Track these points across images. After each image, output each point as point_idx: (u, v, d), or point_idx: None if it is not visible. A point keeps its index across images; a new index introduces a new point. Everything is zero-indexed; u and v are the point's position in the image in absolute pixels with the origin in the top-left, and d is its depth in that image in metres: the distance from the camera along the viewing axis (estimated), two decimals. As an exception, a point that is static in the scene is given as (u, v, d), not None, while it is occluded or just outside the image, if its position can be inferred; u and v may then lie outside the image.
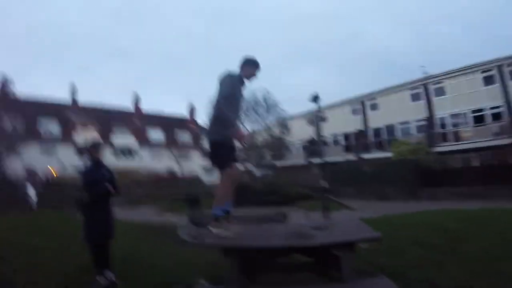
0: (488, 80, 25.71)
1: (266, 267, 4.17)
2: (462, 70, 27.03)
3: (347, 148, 35.85)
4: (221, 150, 3.90)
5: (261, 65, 4.18)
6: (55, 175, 38.11)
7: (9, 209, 17.06)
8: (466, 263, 4.39)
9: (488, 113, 25.53)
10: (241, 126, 3.95)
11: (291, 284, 4.23)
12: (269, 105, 29.24)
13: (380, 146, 31.88)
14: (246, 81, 4.16)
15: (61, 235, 7.58)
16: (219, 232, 3.66)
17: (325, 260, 3.84)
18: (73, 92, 45.74)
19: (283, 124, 38.16)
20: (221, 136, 3.88)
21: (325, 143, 37.41)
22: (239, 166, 4.22)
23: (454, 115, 27.65)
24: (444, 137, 27.45)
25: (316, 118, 17.73)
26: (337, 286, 3.53)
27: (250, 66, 4.12)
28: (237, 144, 4.15)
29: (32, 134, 38.78)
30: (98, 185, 4.44)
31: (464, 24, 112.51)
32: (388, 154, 26.63)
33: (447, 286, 3.75)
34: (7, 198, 20.64)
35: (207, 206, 6.43)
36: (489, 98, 25.46)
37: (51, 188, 28.98)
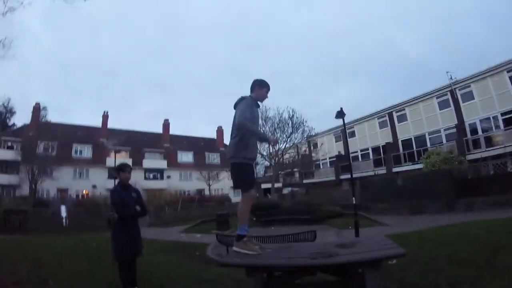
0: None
1: (293, 286, 4.08)
2: (488, 71, 26.08)
3: (377, 162, 35.15)
4: (244, 172, 3.97)
5: (270, 86, 4.34)
6: (87, 197, 39.23)
7: (43, 229, 17.62)
8: (504, 278, 4.17)
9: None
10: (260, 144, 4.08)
11: None
12: (295, 123, 29.19)
13: (410, 157, 31.16)
14: (258, 103, 4.36)
15: (92, 254, 7.71)
16: (242, 251, 3.73)
17: (350, 279, 3.72)
18: (105, 118, 47.22)
19: (311, 141, 38.00)
20: (243, 158, 3.95)
21: (354, 158, 37.04)
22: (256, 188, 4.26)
23: (484, 120, 26.75)
24: (475, 144, 26.52)
25: (343, 134, 17.56)
26: None
27: (261, 88, 4.27)
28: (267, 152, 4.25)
29: (66, 157, 39.99)
30: (126, 206, 4.55)
31: (489, 23, 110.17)
32: (419, 166, 25.99)
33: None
34: (41, 218, 21.29)
35: (235, 226, 6.45)
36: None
37: (83, 209, 29.82)
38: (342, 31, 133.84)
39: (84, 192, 41.28)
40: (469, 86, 27.58)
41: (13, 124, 49.59)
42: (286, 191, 44.23)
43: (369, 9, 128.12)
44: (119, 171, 4.86)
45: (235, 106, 4.11)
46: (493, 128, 26.12)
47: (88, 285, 5.00)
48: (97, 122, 48.08)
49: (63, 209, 24.39)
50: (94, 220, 20.87)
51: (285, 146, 30.15)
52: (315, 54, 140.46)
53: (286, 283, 3.99)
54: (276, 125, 29.09)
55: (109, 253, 5.00)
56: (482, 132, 26.71)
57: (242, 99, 4.10)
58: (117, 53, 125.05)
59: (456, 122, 28.22)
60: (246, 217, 4.00)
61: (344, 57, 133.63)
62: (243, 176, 3.97)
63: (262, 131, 3.72)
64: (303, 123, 29.60)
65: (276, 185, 39.60)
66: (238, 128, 3.95)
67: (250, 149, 4.03)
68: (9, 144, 39.57)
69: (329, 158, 41.01)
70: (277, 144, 28.84)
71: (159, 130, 53.70)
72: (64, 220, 20.53)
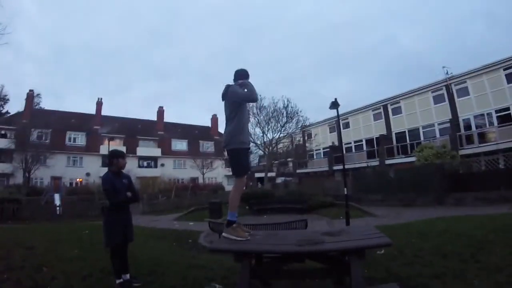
0: (511, 77, 24.94)
1: (280, 273, 4.17)
2: (484, 68, 26.10)
3: (370, 154, 35.33)
4: (240, 157, 4.06)
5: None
6: (81, 185, 39.22)
7: (37, 216, 17.66)
8: (489, 272, 4.25)
9: (513, 112, 24.73)
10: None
11: None
12: (289, 113, 29.15)
13: (403, 150, 31.33)
14: None
15: (85, 241, 7.78)
16: (232, 237, 3.80)
17: (336, 267, 3.82)
18: (99, 105, 46.92)
19: (305, 131, 38.03)
20: (240, 143, 4.03)
21: (348, 149, 37.20)
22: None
23: (478, 116, 26.89)
24: (468, 139, 26.72)
25: (337, 124, 17.63)
26: None
27: (245, 77, 4.28)
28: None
29: (59, 145, 39.84)
30: (118, 193, 4.58)
31: (487, 21, 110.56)
32: (412, 159, 26.16)
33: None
34: (35, 206, 21.32)
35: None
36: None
37: (76, 197, 29.88)
38: (342, 23, 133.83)
39: (78, 180, 41.27)
40: (465, 82, 27.63)
41: (7, 112, 49.02)
42: (279, 180, 44.57)
43: (371, 3, 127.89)
44: (118, 157, 4.85)
45: (224, 96, 4.15)
46: (487, 124, 26.22)
47: (81, 272, 5.04)
48: (91, 109, 47.91)
49: (56, 197, 24.51)
50: (88, 208, 20.96)
51: (279, 135, 30.16)
52: (315, 45, 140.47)
53: (273, 269, 4.09)
54: (270, 114, 29.04)
55: (100, 240, 5.04)
56: (476, 128, 26.81)
57: (229, 86, 4.15)
58: (113, 38, 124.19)
59: (450, 117, 28.35)
60: (237, 204, 4.05)
61: (343, 49, 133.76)
62: (239, 161, 4.05)
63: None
64: (297, 113, 29.58)
65: (270, 174, 39.75)
66: (246, 100, 4.18)
67: (245, 133, 4.14)
68: (3, 132, 39.22)
69: (323, 148, 41.25)
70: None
71: (154, 117, 53.65)
72: (58, 208, 20.53)
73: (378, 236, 3.64)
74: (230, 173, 4.15)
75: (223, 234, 3.95)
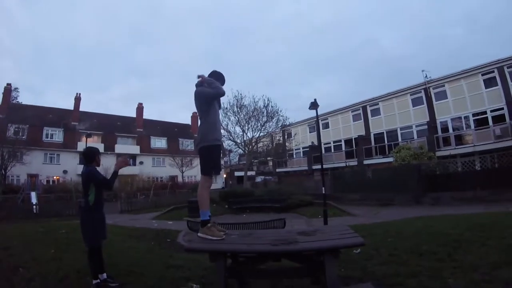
0: (489, 82, 25.50)
1: (257, 272, 4.17)
2: (462, 73, 26.88)
3: (349, 154, 35.72)
4: (214, 155, 4.05)
5: (225, 80, 4.48)
6: (58, 183, 38.40)
7: (13, 215, 17.22)
8: (464, 271, 4.28)
9: (489, 116, 25.37)
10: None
11: None
12: (269, 112, 29.17)
13: (381, 151, 31.76)
14: None
15: (62, 241, 7.61)
16: (207, 237, 3.78)
17: (312, 266, 3.80)
18: (77, 101, 45.92)
19: (285, 130, 38.13)
20: (214, 140, 4.03)
21: (327, 149, 37.48)
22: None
23: (455, 119, 27.53)
24: (445, 141, 27.31)
25: (316, 124, 17.73)
26: None
27: (220, 80, 4.34)
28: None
29: (36, 141, 38.85)
30: (105, 181, 4.51)
31: (467, 26, 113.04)
32: (390, 159, 26.52)
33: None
34: (11, 205, 20.81)
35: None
36: (490, 101, 25.32)
37: (53, 195, 29.27)
38: (324, 26, 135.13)
39: (55, 177, 40.37)
40: (443, 86, 28.34)
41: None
42: (259, 179, 44.61)
43: (353, 6, 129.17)
44: (99, 154, 4.83)
45: (200, 93, 4.18)
46: (464, 127, 26.97)
47: (58, 273, 4.93)
48: (69, 105, 46.77)
49: (33, 195, 23.93)
50: (65, 206, 20.55)
51: (259, 134, 30.16)
52: (296, 47, 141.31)
53: (250, 269, 4.06)
54: (251, 113, 29.01)
55: (78, 240, 4.96)
56: (453, 130, 27.51)
57: (196, 86, 4.24)
58: (93, 34, 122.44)
59: (428, 119, 29.07)
60: (207, 202, 4.02)
61: (324, 51, 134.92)
62: (212, 159, 4.02)
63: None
64: (277, 112, 29.67)
65: (249, 173, 39.76)
66: (214, 98, 4.15)
67: (217, 130, 4.14)
68: (-22, 127, 37.80)
69: (303, 148, 41.56)
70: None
71: (133, 114, 52.76)
72: (34, 207, 20.05)
73: (352, 236, 3.65)
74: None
75: (198, 234, 3.91)
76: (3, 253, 6.21)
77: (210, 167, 4.02)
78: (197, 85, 4.24)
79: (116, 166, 4.64)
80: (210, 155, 4.01)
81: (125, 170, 38.29)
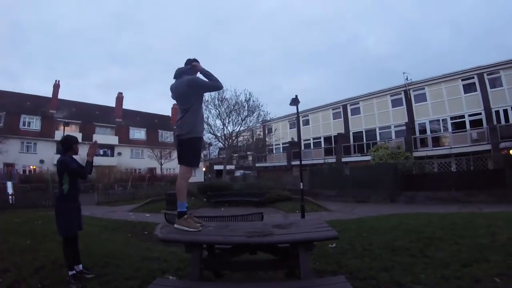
0: (468, 88, 26.23)
1: (232, 264, 4.20)
2: (443, 77, 27.59)
3: (328, 151, 36.07)
4: (198, 147, 4.02)
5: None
6: (34, 172, 37.62)
7: None
8: (436, 267, 4.39)
9: (467, 120, 26.08)
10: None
11: (252, 280, 4.34)
12: (251, 107, 29.16)
13: (360, 149, 32.19)
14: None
15: (37, 232, 7.53)
16: (184, 228, 3.76)
17: (287, 259, 3.86)
18: (56, 88, 44.85)
19: (266, 126, 38.19)
20: (201, 132, 4.05)
21: (306, 146, 37.74)
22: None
23: (434, 121, 28.19)
24: (422, 142, 27.93)
25: (297, 121, 17.83)
26: (291, 284, 3.57)
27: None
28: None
29: (13, 129, 37.88)
30: (79, 170, 4.47)
31: (451, 32, 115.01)
32: (367, 158, 26.88)
33: (415, 289, 3.76)
34: None
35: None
36: (469, 105, 26.04)
37: (30, 185, 28.71)
38: (309, 21, 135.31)
39: (31, 167, 39.53)
40: (423, 89, 29.05)
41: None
42: (238, 173, 44.58)
43: (339, 3, 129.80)
44: (76, 143, 4.77)
45: (179, 83, 4.02)
46: (442, 130, 27.73)
47: (33, 263, 4.88)
48: (47, 92, 45.60)
49: (9, 185, 23.41)
50: (41, 197, 20.20)
51: (240, 128, 30.13)
52: (280, 40, 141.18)
53: (225, 261, 4.09)
54: (232, 107, 28.93)
55: (54, 231, 4.87)
56: (431, 132, 28.25)
57: (182, 71, 4.08)
58: (72, 19, 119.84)
59: (406, 120, 29.72)
60: (185, 194, 3.99)
61: (308, 47, 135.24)
62: (198, 151, 4.02)
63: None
64: (259, 107, 29.69)
65: (229, 167, 39.72)
66: (214, 90, 4.24)
67: (203, 123, 4.17)
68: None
69: (282, 143, 41.69)
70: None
71: (112, 103, 51.78)
72: (10, 197, 19.64)
73: (326, 230, 3.69)
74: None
75: (175, 225, 3.90)
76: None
77: (192, 158, 3.99)
78: (184, 70, 4.09)
79: (88, 156, 4.59)
80: (198, 147, 4.01)
81: (103, 161, 37.95)
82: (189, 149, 3.98)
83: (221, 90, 27.23)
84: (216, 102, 28.56)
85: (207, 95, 27.53)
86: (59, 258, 4.81)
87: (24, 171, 38.49)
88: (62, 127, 33.51)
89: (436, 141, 27.33)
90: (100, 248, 6.27)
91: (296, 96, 15.50)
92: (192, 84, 3.93)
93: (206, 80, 3.97)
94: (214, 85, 3.99)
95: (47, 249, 5.72)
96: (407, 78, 30.39)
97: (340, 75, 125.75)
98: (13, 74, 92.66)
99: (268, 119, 31.83)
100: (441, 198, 16.40)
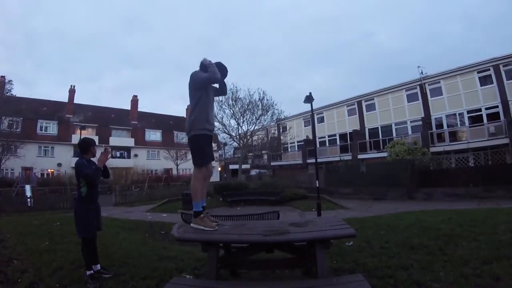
0: (484, 80, 25.71)
1: (249, 263, 4.22)
2: (458, 70, 27.07)
3: (343, 148, 35.87)
4: (202, 144, 3.96)
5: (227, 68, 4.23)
6: (52, 176, 38.19)
7: (7, 209, 17.15)
8: (455, 265, 4.31)
9: (484, 113, 25.60)
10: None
11: (269, 279, 4.32)
12: (265, 105, 29.11)
13: (376, 146, 31.90)
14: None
15: (56, 233, 7.64)
16: (200, 227, 3.78)
17: (304, 257, 3.85)
18: (72, 93, 45.54)
19: (280, 124, 38.13)
20: (203, 129, 3.93)
21: (321, 143, 37.57)
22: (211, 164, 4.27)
23: (450, 115, 27.74)
24: (440, 137, 27.51)
25: (312, 119, 17.74)
26: (308, 282, 3.51)
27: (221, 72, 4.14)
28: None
29: (30, 134, 38.53)
30: (90, 176, 4.47)
31: (464, 24, 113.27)
32: (384, 154, 26.63)
33: (434, 287, 3.65)
34: (5, 198, 20.73)
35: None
36: (485, 98, 25.53)
37: (48, 188, 29.16)
38: (321, 18, 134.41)
39: (49, 170, 40.24)
40: (439, 82, 28.53)
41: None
42: (253, 172, 44.64)
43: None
44: (94, 145, 4.77)
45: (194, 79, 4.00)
46: (458, 124, 27.21)
47: (52, 264, 4.96)
48: (63, 97, 46.39)
49: (27, 188, 23.86)
50: (60, 199, 20.45)
51: (254, 128, 30.11)
52: (292, 38, 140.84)
53: (242, 259, 4.09)
54: (246, 106, 28.92)
55: (72, 232, 4.98)
56: (447, 127, 27.81)
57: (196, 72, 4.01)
58: (85, 25, 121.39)
59: (422, 115, 29.26)
60: (200, 194, 3.96)
61: (321, 44, 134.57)
62: (196, 149, 3.95)
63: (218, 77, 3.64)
64: (273, 106, 29.62)
65: (244, 166, 39.76)
66: (209, 82, 3.97)
67: (208, 120, 3.99)
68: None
69: (297, 142, 41.67)
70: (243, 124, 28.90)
71: (127, 106, 52.52)
72: (29, 200, 19.98)
73: (343, 227, 3.66)
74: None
75: (191, 224, 3.92)
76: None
77: (198, 157, 3.95)
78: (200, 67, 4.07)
79: (99, 163, 4.61)
80: (198, 145, 3.94)
81: (119, 163, 38.36)
82: (190, 148, 4.02)
83: (235, 90, 27.53)
84: (230, 102, 28.61)
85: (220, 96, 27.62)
86: (77, 259, 4.90)
87: (42, 174, 39.14)
88: (78, 131, 34.02)
89: (453, 136, 26.88)
90: (117, 248, 6.35)
91: (310, 93, 15.44)
92: (190, 79, 3.97)
93: (204, 73, 3.94)
94: (208, 77, 3.90)
95: (65, 249, 5.81)
96: (421, 72, 29.94)
97: (353, 73, 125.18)
98: (28, 80, 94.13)
99: (283, 117, 31.73)
100: (459, 194, 16.12)
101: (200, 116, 3.91)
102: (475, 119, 26.13)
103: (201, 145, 3.94)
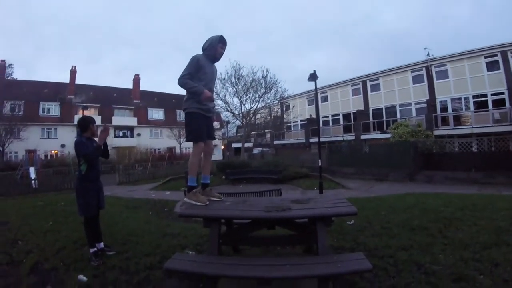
0: (491, 66, 25.41)
1: (251, 239, 4.27)
2: (465, 54, 26.71)
3: (347, 128, 35.77)
4: (193, 122, 3.99)
5: (225, 41, 4.18)
6: (55, 157, 38.42)
7: (12, 190, 17.29)
8: (455, 248, 4.33)
9: (489, 99, 25.41)
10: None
11: (270, 255, 4.40)
12: (268, 83, 28.80)
13: (379, 127, 31.81)
14: (214, 58, 4.19)
15: (60, 214, 7.70)
16: (191, 201, 3.86)
17: (305, 234, 3.89)
18: (73, 74, 45.37)
19: (284, 103, 37.95)
20: (195, 108, 3.96)
21: (325, 123, 37.50)
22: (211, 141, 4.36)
23: (455, 99, 27.54)
24: (444, 121, 27.38)
25: (316, 97, 17.66)
26: (309, 258, 3.57)
27: (215, 44, 4.10)
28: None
29: (33, 116, 38.71)
30: (88, 155, 4.47)
31: (473, 8, 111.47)
32: (387, 135, 26.58)
33: (433, 269, 3.71)
34: (10, 181, 20.86)
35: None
36: (492, 84, 25.29)
37: (52, 169, 29.36)
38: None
39: (52, 152, 40.55)
40: (445, 65, 28.22)
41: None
42: (256, 151, 44.67)
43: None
44: (93, 123, 4.75)
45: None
46: (463, 108, 27.05)
47: (55, 244, 5.03)
48: (64, 78, 46.24)
49: (31, 170, 24.01)
50: (64, 180, 20.47)
51: (257, 106, 29.94)
52: (295, 17, 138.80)
53: (244, 236, 4.13)
54: (249, 84, 28.60)
55: (75, 211, 5.02)
56: (452, 111, 27.62)
57: (193, 57, 4.02)
58: (81, 5, 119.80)
59: (427, 97, 29.10)
60: (195, 169, 4.03)
61: (324, 23, 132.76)
62: (192, 125, 4.00)
63: (197, 86, 3.56)
64: (276, 84, 29.30)
65: (247, 145, 39.75)
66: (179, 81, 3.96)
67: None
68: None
69: (301, 121, 41.58)
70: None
71: (129, 85, 52.49)
72: (33, 182, 20.12)
73: (344, 205, 3.66)
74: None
75: (185, 199, 3.99)
76: (1, 228, 6.34)
77: (188, 132, 4.05)
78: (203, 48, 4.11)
79: (99, 140, 4.60)
80: (188, 121, 4.02)
81: (122, 142, 38.54)
82: (185, 123, 4.10)
83: (237, 68, 27.22)
84: (233, 79, 28.33)
85: (223, 73, 27.39)
86: (80, 238, 4.98)
87: (46, 156, 39.51)
88: (81, 111, 33.95)
89: (458, 120, 26.69)
90: (121, 226, 6.42)
91: (314, 71, 15.30)
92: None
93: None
94: (181, 85, 3.95)
95: (69, 229, 5.87)
96: (428, 54, 29.60)
97: (356, 53, 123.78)
98: (28, 63, 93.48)
99: (286, 96, 31.50)
100: (460, 179, 16.10)
101: (190, 95, 3.96)
102: (480, 105, 25.91)
103: (189, 121, 4.01)
